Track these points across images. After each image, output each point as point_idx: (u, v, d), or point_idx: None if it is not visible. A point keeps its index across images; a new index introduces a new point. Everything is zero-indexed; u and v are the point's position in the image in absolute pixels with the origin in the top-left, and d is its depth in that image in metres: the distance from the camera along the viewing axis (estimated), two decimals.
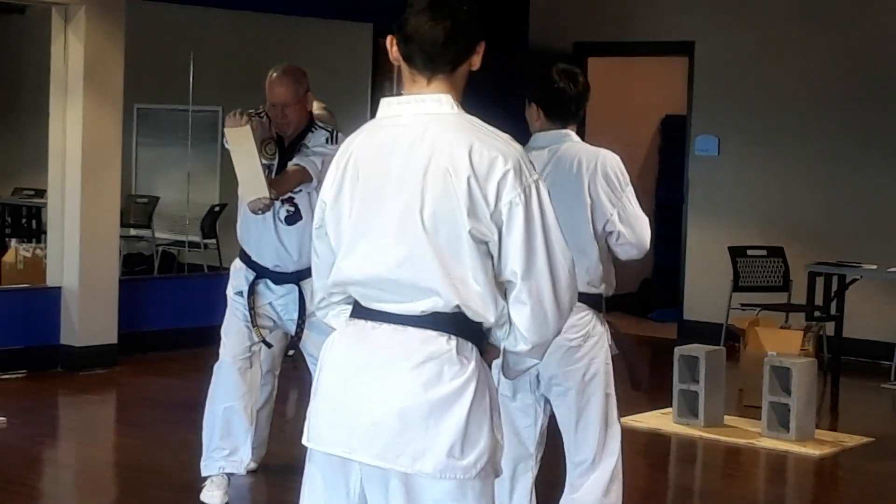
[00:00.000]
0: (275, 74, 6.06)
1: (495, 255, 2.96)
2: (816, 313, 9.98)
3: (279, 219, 6.03)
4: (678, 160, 12.36)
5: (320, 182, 3.66)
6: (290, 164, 5.96)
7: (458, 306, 2.95)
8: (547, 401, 4.94)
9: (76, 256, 9.40)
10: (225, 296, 6.29)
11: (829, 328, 10.03)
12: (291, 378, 7.70)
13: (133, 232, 13.30)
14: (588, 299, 4.75)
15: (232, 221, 6.52)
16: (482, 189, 2.93)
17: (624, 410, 5.19)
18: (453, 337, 2.96)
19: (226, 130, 5.85)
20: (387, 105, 3.09)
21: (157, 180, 13.92)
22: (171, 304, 10.30)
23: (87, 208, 9.38)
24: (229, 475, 6.23)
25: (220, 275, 9.00)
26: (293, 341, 6.30)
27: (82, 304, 9.41)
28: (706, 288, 11.68)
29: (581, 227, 4.74)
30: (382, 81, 11.48)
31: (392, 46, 3.08)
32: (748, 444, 7.84)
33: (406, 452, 2.94)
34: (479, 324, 3.00)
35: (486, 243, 2.95)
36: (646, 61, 13.05)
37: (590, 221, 4.77)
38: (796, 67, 11.40)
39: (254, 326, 6.16)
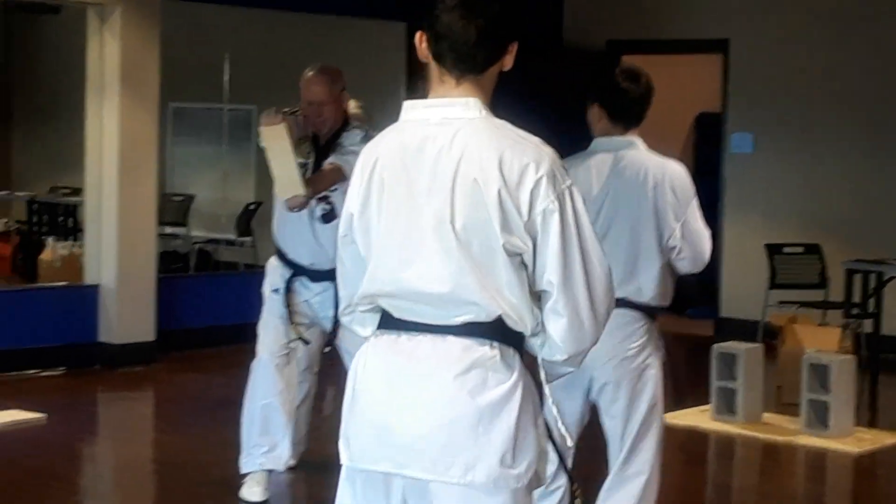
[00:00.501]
0: (311, 73, 6.08)
1: (530, 265, 2.88)
2: (854, 311, 9.93)
3: (315, 217, 6.04)
4: (713, 158, 12.32)
5: None
6: (326, 163, 5.97)
7: (499, 316, 2.87)
8: (592, 406, 4.92)
9: (114, 254, 9.44)
10: (261, 293, 6.31)
11: (867, 325, 9.97)
12: (329, 375, 7.70)
13: (168, 230, 13.34)
14: (647, 310, 4.75)
15: (267, 219, 6.54)
16: (514, 199, 2.83)
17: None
18: (496, 344, 2.88)
19: (261, 129, 5.87)
20: (411, 108, 2.99)
21: (192, 178, 13.96)
22: (208, 302, 10.34)
23: (125, 206, 9.43)
24: (269, 471, 6.24)
25: (256, 273, 9.01)
26: (330, 338, 6.32)
27: (120, 302, 9.46)
28: (743, 285, 11.64)
29: (645, 239, 4.72)
30: (416, 80, 11.49)
31: (421, 43, 2.99)
32: (786, 442, 7.81)
33: (456, 463, 2.85)
34: (520, 332, 2.92)
35: (521, 255, 2.87)
36: (680, 59, 13.00)
37: (654, 233, 4.73)
38: (832, 63, 11.34)
39: (291, 324, 6.18)
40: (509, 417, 2.86)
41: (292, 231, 6.13)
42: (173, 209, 13.33)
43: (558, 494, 4.86)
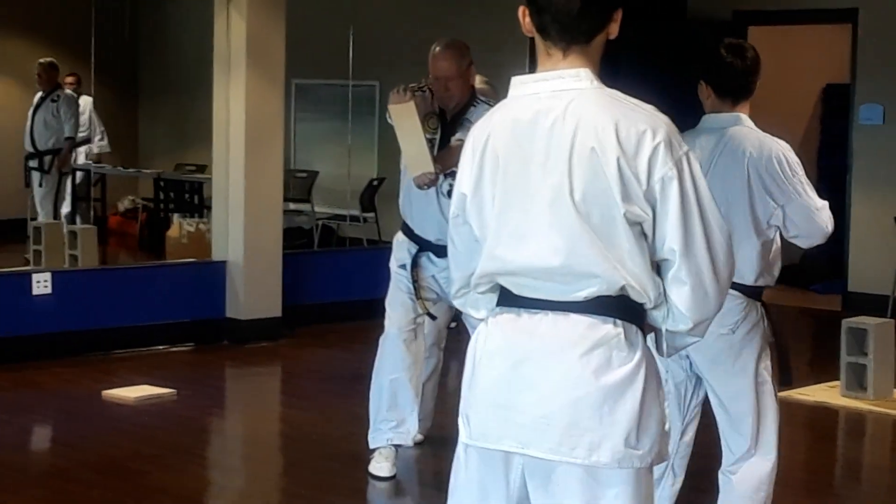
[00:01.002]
0: (438, 48, 6.08)
1: (649, 234, 2.85)
2: None
3: (442, 192, 6.04)
4: (841, 130, 12.13)
5: None
6: (454, 139, 5.97)
7: (623, 287, 2.85)
8: (699, 380, 4.86)
9: (240, 231, 9.54)
10: (386, 269, 6.34)
11: None
12: (454, 351, 7.73)
13: (292, 206, 13.47)
14: (744, 289, 4.65)
15: (390, 195, 6.57)
16: (632, 167, 2.80)
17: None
18: (619, 321, 2.86)
19: (390, 107, 5.88)
20: (521, 84, 2.95)
21: (316, 155, 14.08)
22: (333, 278, 10.40)
23: (251, 183, 9.51)
24: (396, 447, 6.28)
25: (381, 248, 9.08)
26: (456, 314, 6.32)
27: (247, 278, 9.55)
28: (871, 259, 11.46)
29: (739, 217, 4.61)
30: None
31: (525, 18, 2.94)
32: None
33: (581, 444, 2.84)
34: (642, 305, 2.90)
35: (641, 224, 2.84)
36: (807, 29, 12.80)
37: (748, 213, 4.63)
38: None
39: (418, 299, 6.20)
40: (634, 397, 2.85)
41: (419, 207, 6.15)
42: (297, 185, 13.45)
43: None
